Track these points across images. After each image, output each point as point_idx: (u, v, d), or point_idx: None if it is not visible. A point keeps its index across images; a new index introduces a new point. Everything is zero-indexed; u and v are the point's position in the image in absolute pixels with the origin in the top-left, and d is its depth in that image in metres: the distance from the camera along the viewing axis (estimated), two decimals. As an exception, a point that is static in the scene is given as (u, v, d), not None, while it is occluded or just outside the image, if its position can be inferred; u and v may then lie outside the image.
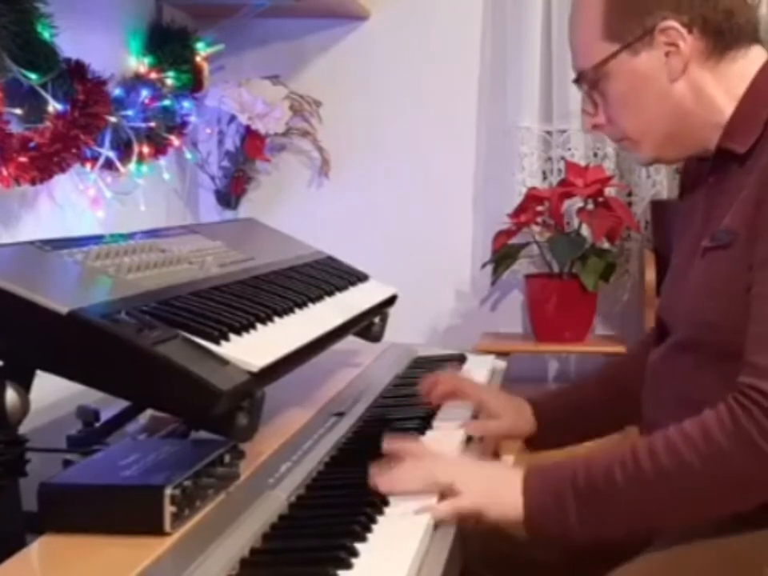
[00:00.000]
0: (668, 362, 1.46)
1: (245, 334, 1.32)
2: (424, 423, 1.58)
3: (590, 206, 2.80)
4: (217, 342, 1.24)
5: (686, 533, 1.32)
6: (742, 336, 1.27)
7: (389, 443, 1.36)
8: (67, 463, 1.28)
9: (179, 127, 2.47)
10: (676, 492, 1.23)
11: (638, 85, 1.40)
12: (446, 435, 1.54)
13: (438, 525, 1.23)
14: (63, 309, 1.15)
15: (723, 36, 1.38)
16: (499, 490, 1.28)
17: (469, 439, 1.58)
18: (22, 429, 1.20)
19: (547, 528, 1.27)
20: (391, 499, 1.25)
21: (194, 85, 2.55)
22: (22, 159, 1.79)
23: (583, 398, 1.70)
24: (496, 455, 1.84)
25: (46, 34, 1.76)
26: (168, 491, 1.05)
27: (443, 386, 1.68)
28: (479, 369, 1.97)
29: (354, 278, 1.91)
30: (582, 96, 1.47)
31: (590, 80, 1.43)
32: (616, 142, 1.51)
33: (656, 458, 1.22)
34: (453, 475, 1.28)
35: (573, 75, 2.95)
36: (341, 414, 1.58)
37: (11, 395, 1.15)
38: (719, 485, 1.22)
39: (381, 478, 1.26)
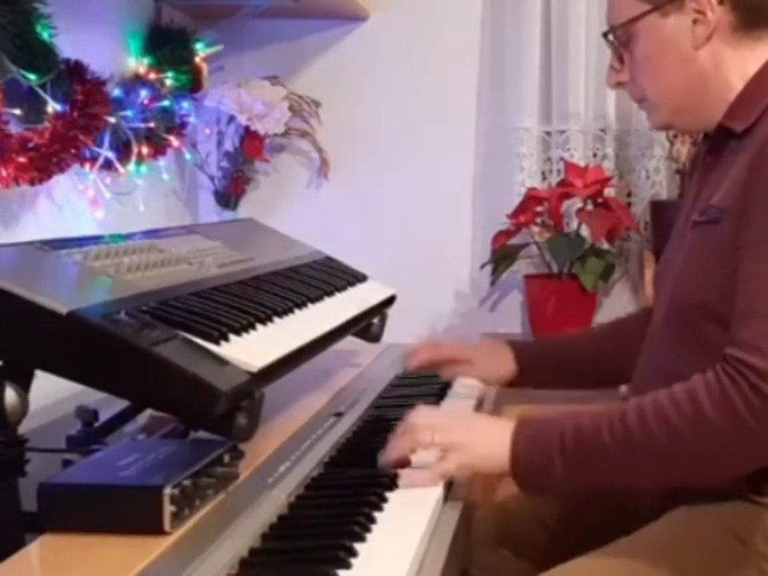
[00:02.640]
0: (653, 335, 1.48)
1: (244, 335, 1.32)
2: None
3: (590, 207, 2.80)
4: (216, 343, 1.25)
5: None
6: (721, 311, 1.31)
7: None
8: (67, 463, 1.28)
9: (178, 128, 2.47)
10: (662, 455, 1.24)
11: (663, 48, 1.42)
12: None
13: (438, 524, 1.23)
14: (63, 309, 1.15)
15: (753, 13, 1.40)
16: (487, 447, 1.31)
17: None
18: (22, 429, 1.20)
19: (533, 482, 1.30)
20: (390, 498, 1.25)
21: (193, 85, 2.55)
22: (21, 160, 1.79)
23: (573, 345, 1.75)
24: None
25: (45, 35, 1.76)
26: (167, 491, 1.05)
27: (422, 354, 1.75)
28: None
29: (352, 278, 1.91)
30: (611, 51, 1.49)
31: (619, 36, 1.45)
32: (636, 102, 1.53)
33: (644, 419, 1.24)
34: (443, 439, 1.32)
35: (571, 76, 2.99)
36: (340, 415, 1.59)
37: (11, 395, 1.15)
38: (703, 451, 1.24)
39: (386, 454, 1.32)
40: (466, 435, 1.33)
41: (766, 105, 1.37)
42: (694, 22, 1.40)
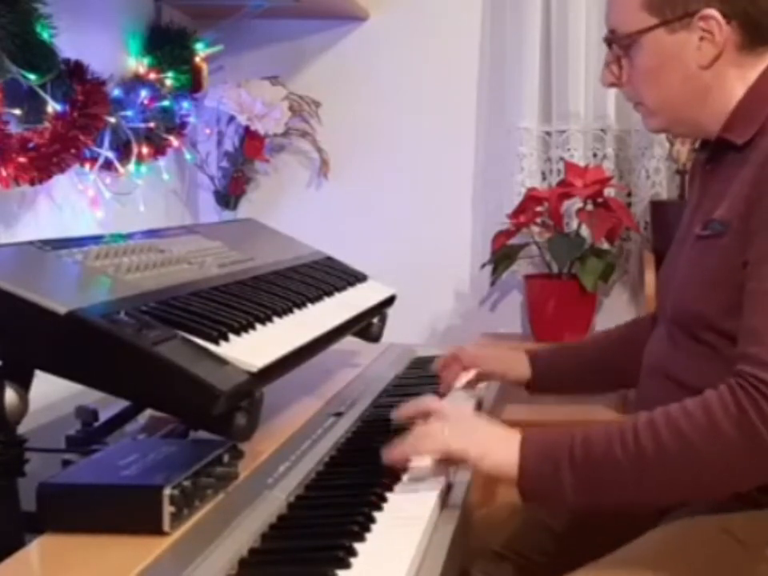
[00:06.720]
0: (656, 344, 1.48)
1: (244, 335, 1.32)
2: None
3: (590, 207, 2.80)
4: (216, 343, 1.24)
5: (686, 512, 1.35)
6: (722, 324, 1.32)
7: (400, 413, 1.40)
8: (66, 463, 1.28)
9: (178, 128, 2.47)
10: (675, 469, 1.23)
11: (667, 63, 1.42)
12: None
13: (439, 522, 1.23)
14: (62, 309, 1.15)
15: (759, 30, 1.40)
16: (495, 445, 1.29)
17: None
18: (21, 429, 1.20)
19: (541, 494, 1.28)
20: (390, 498, 1.25)
21: (193, 85, 2.55)
22: (22, 160, 1.79)
23: (580, 352, 1.77)
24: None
25: (45, 35, 1.76)
26: (167, 491, 1.05)
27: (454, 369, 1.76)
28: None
29: (352, 278, 1.91)
30: (608, 51, 1.48)
31: (622, 44, 1.45)
32: (631, 103, 1.53)
33: (657, 433, 1.22)
34: (454, 443, 1.28)
35: (571, 76, 2.98)
36: (340, 414, 1.59)
37: (10, 395, 1.15)
38: (718, 466, 1.22)
39: (390, 452, 1.29)
40: (477, 436, 1.31)
41: (765, 117, 1.37)
42: (701, 39, 1.39)
